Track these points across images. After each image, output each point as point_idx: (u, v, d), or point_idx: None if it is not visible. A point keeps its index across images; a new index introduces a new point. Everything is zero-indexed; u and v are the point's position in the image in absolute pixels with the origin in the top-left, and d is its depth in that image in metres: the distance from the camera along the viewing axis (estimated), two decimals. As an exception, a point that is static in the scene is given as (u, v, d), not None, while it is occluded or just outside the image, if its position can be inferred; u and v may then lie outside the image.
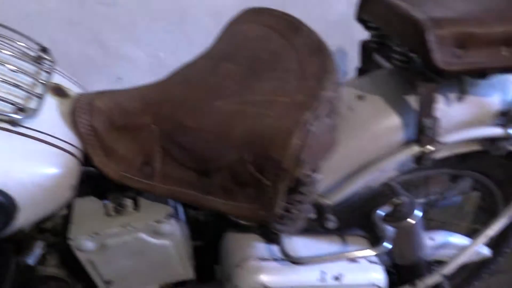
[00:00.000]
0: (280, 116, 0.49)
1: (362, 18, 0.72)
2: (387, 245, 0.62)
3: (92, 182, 0.65)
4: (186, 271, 0.68)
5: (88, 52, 0.99)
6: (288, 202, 0.55)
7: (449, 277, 1.11)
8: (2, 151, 0.47)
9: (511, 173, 0.85)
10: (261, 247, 0.63)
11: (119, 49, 0.99)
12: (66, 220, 0.63)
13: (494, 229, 0.81)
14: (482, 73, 0.63)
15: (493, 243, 1.04)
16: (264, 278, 0.60)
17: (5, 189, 0.46)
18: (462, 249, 0.81)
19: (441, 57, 0.58)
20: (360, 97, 0.70)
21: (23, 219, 0.50)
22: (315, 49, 0.60)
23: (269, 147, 0.47)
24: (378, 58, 0.75)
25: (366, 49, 0.77)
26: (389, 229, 0.69)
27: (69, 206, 0.63)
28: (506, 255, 1.07)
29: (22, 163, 0.49)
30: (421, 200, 1.05)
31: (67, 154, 0.53)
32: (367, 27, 0.73)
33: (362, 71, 0.80)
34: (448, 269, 0.81)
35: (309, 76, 0.55)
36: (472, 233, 1.04)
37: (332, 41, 0.63)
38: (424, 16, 0.59)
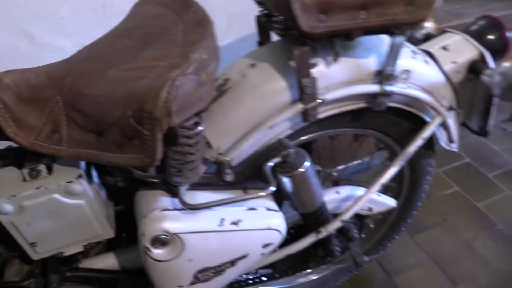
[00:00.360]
0: (156, 77, 0.58)
1: (252, -5, 0.81)
2: (273, 188, 0.71)
3: (11, 155, 0.72)
4: (105, 230, 0.75)
5: (16, 45, 1.05)
6: (175, 153, 0.64)
7: (371, 231, 1.23)
8: None
9: (404, 129, 0.96)
10: (164, 200, 0.71)
11: (46, 40, 1.05)
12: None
13: (385, 178, 0.91)
14: (347, 35, 0.73)
15: (404, 198, 1.16)
16: (166, 225, 0.68)
17: None
18: (360, 198, 0.92)
19: (305, 21, 0.67)
20: (252, 65, 0.79)
21: None
22: (199, 22, 0.69)
23: (144, 101, 0.55)
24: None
25: (260, 23, 0.86)
26: (286, 181, 0.79)
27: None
28: (419, 207, 1.18)
29: None
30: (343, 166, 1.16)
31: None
32: (258, 2, 0.82)
33: (261, 43, 0.90)
34: (347, 215, 0.90)
35: (188, 44, 0.64)
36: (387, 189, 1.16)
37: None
38: (290, -12, 0.68)
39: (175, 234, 0.68)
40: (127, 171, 0.72)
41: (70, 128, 0.65)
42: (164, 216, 0.68)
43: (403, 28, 0.73)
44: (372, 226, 1.23)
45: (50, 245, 0.74)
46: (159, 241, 0.68)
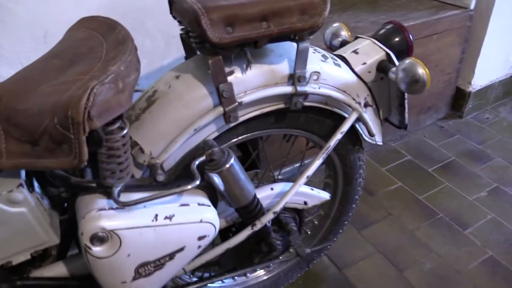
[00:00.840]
0: (78, 88, 0.66)
1: (174, 16, 0.91)
2: (197, 182, 0.79)
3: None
4: (50, 237, 0.81)
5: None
6: (103, 155, 0.72)
7: (315, 226, 1.31)
8: None
9: (327, 127, 1.06)
10: (101, 202, 0.77)
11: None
12: None
13: (311, 170, 1.00)
14: (255, 43, 0.83)
15: (341, 193, 1.26)
16: (102, 223, 0.74)
17: None
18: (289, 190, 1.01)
19: (214, 34, 0.77)
20: (177, 77, 0.89)
21: None
22: (121, 41, 0.78)
23: (68, 109, 0.63)
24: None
25: (183, 40, 0.96)
26: (216, 179, 0.87)
27: None
28: (356, 201, 1.28)
29: None
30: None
31: None
32: (178, 21, 0.92)
33: (187, 58, 0.99)
34: (278, 206, 0.99)
35: (109, 59, 0.73)
36: (326, 186, 1.25)
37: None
38: (200, 5, 0.78)
39: (112, 231, 0.75)
40: (66, 179, 0.79)
41: (7, 142, 0.72)
42: (100, 215, 0.75)
43: (302, 34, 0.84)
44: (316, 222, 1.32)
45: (-3, 255, 0.79)
46: (97, 239, 0.75)
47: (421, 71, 0.98)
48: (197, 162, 0.82)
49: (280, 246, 1.08)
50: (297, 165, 1.28)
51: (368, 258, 1.46)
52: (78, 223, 0.77)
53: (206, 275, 1.12)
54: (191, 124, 0.85)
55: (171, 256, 0.83)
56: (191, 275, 1.19)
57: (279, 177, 1.25)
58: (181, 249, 0.84)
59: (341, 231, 1.34)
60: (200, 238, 0.85)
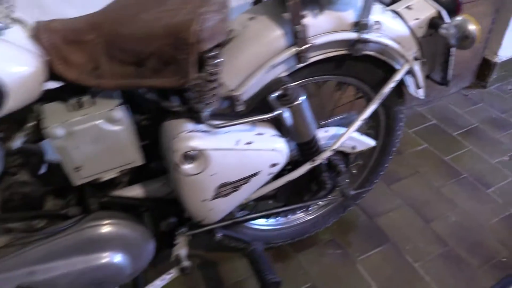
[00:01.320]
0: (186, 14, 0.73)
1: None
2: (277, 112, 0.87)
3: (57, 91, 0.85)
4: (136, 158, 0.90)
5: (31, 15, 1.17)
6: (200, 79, 0.80)
7: (354, 175, 1.40)
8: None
9: (378, 77, 1.14)
10: (190, 125, 0.86)
11: (56, 11, 1.19)
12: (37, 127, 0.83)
13: (366, 114, 1.09)
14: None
15: (382, 143, 1.34)
16: (194, 142, 0.83)
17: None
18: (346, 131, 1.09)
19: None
20: (251, 18, 0.96)
21: (11, 103, 0.70)
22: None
23: (179, 32, 0.71)
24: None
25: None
26: (286, 114, 0.95)
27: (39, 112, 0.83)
28: (393, 153, 1.37)
29: (10, 60, 0.69)
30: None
31: (39, 59, 0.74)
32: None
33: (256, 3, 1.06)
34: (337, 144, 1.08)
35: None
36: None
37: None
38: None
39: (202, 150, 0.83)
40: (156, 102, 0.87)
41: (110, 64, 0.79)
42: (191, 136, 0.83)
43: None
44: (355, 171, 1.41)
45: (92, 170, 0.87)
46: (188, 157, 0.83)
47: (473, 27, 1.05)
48: (274, 95, 0.91)
49: (328, 185, 1.17)
50: (339, 117, 1.36)
51: (397, 210, 1.56)
52: (169, 143, 0.85)
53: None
54: (267, 61, 0.92)
55: (247, 179, 0.92)
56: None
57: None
58: (256, 174, 0.93)
59: (376, 181, 1.43)
60: (272, 166, 0.94)
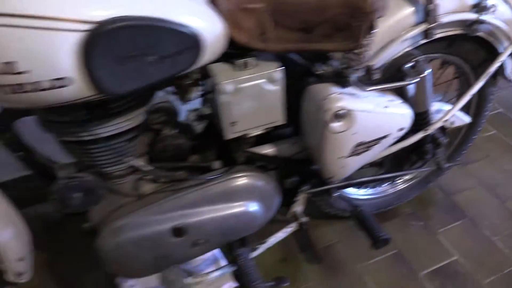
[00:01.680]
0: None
1: None
2: (416, 80, 0.97)
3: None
4: (281, 117, 1.00)
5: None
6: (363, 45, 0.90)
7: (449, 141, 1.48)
8: (198, 12, 0.78)
9: (480, 59, 1.23)
10: (336, 88, 0.96)
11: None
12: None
13: (474, 90, 1.18)
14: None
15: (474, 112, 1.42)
16: (344, 103, 0.93)
17: (199, 33, 0.77)
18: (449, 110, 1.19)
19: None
20: (387, -4, 1.06)
21: (205, 57, 0.81)
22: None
23: (357, 2, 0.81)
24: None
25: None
26: (411, 85, 1.05)
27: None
28: (478, 133, 1.46)
29: (207, 20, 0.80)
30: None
31: (221, 21, 0.85)
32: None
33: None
34: (448, 116, 1.18)
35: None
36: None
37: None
38: None
39: (350, 110, 0.94)
40: (307, 67, 0.97)
41: (276, 30, 0.90)
42: (341, 97, 0.94)
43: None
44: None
45: (244, 125, 0.98)
46: (337, 116, 0.94)
47: None
48: (408, 65, 1.01)
49: (428, 156, 1.27)
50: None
51: (471, 189, 1.65)
52: (319, 103, 0.95)
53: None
54: (400, 36, 1.02)
55: (378, 141, 1.02)
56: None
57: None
58: (385, 136, 1.03)
59: (458, 158, 1.52)
60: (399, 130, 1.04)
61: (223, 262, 1.35)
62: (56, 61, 0.66)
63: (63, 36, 0.65)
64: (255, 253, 1.13)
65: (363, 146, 1.01)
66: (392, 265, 1.41)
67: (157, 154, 1.05)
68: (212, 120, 1.10)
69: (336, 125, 0.95)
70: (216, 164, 1.06)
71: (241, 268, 1.04)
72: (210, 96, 1.00)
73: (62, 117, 0.87)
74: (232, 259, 1.10)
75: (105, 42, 0.68)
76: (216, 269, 1.12)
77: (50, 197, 0.95)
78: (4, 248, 1.03)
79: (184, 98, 0.94)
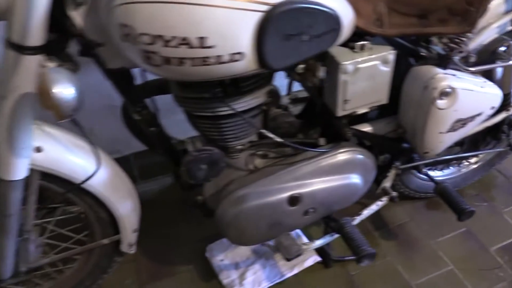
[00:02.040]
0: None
1: None
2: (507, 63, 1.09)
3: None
4: (386, 96, 1.11)
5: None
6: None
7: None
8: None
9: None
10: (440, 69, 1.07)
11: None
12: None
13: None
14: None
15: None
16: (450, 81, 1.04)
17: (340, 16, 0.88)
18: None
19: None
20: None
21: (341, 38, 0.92)
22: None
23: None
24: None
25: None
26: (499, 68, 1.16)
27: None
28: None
29: (344, 4, 0.91)
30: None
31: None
32: None
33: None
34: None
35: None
36: None
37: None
38: None
39: (455, 88, 1.04)
40: (413, 50, 1.08)
41: (391, 16, 1.01)
42: (447, 76, 1.04)
43: None
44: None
45: (355, 104, 1.08)
46: (444, 93, 1.04)
47: None
48: (501, 49, 1.12)
49: (504, 136, 1.38)
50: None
51: (530, 174, 1.75)
52: (427, 82, 1.05)
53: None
54: (494, 22, 1.13)
55: (473, 118, 1.13)
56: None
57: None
58: (479, 114, 1.13)
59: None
60: (491, 108, 1.15)
61: (304, 239, 1.46)
62: (238, 37, 0.77)
63: (247, 15, 0.76)
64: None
65: (461, 123, 1.12)
66: (463, 242, 1.51)
67: (271, 131, 1.15)
68: (311, 101, 1.21)
69: (441, 102, 1.05)
70: (321, 140, 1.16)
71: (349, 234, 1.14)
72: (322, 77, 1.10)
73: (201, 93, 0.98)
74: (335, 229, 1.20)
75: (277, 22, 0.79)
76: (322, 237, 1.22)
77: (181, 168, 1.06)
78: (125, 219, 1.14)
79: (313, 78, 1.04)
